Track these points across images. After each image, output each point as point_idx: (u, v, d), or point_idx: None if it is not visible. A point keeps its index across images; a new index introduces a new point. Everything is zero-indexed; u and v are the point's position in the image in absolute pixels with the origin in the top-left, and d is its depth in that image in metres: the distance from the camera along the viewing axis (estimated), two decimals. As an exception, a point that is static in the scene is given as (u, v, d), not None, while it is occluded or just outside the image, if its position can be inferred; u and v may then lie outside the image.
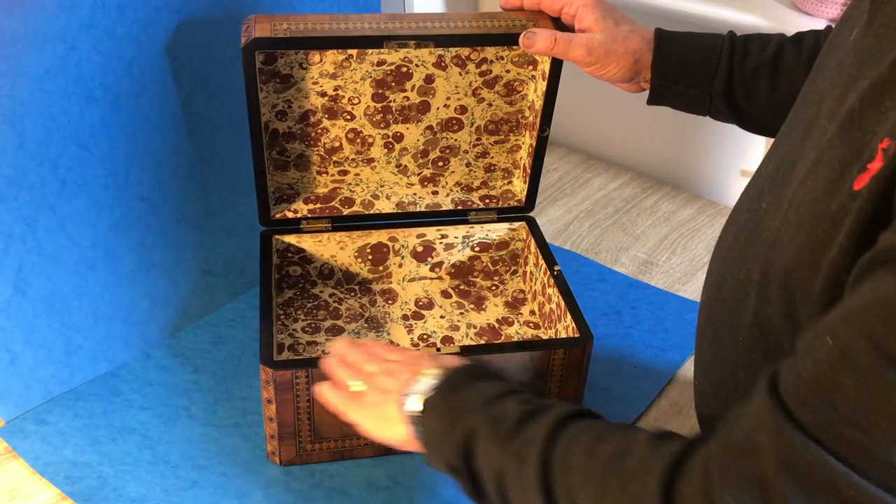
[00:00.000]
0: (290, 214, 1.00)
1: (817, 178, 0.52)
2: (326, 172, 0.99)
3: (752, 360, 0.61)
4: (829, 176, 0.50)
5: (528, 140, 1.01)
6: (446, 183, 1.05)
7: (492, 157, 1.03)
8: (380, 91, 0.94)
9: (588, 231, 1.26)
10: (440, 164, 1.02)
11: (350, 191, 1.02)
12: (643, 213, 1.30)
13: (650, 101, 0.89)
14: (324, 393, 0.74)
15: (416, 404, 0.65)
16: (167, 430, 0.89)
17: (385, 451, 0.87)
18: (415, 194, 1.04)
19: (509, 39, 0.89)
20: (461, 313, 1.05)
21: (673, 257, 1.21)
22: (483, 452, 0.59)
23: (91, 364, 0.94)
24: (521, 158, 1.03)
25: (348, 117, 0.95)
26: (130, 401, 0.92)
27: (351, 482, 0.85)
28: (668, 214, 1.30)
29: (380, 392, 0.70)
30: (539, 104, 0.97)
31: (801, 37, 0.84)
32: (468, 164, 1.03)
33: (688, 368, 1.02)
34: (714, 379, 0.69)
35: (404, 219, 1.03)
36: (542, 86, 0.95)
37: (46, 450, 0.86)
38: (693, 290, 1.14)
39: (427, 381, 0.66)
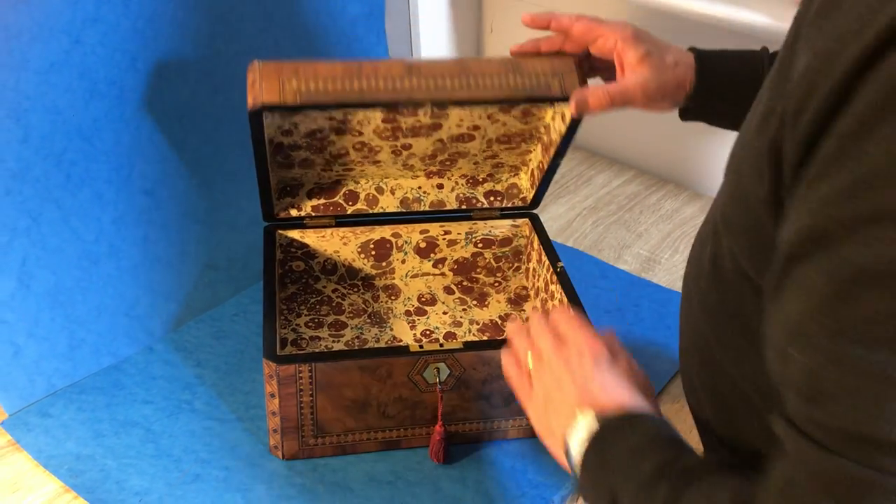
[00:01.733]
0: (294, 212, 1.00)
1: (751, 123, 0.53)
2: (331, 170, 0.99)
3: (709, 301, 0.63)
4: (756, 122, 0.51)
5: (539, 155, 1.00)
6: (451, 175, 1.04)
7: (501, 158, 1.02)
8: (391, 115, 0.90)
9: (591, 228, 1.26)
10: (447, 163, 1.01)
11: (354, 183, 1.02)
12: (646, 210, 1.30)
13: (685, 118, 0.86)
14: (504, 366, 0.74)
15: (576, 456, 0.64)
16: (170, 424, 0.89)
17: (387, 446, 0.87)
18: (419, 187, 1.03)
19: (537, 100, 0.86)
20: (464, 309, 1.05)
21: (675, 255, 1.21)
22: None
23: (94, 358, 0.95)
24: (530, 160, 1.02)
25: (357, 134, 0.93)
26: (133, 394, 0.92)
27: (353, 477, 0.85)
28: (670, 212, 1.30)
29: (548, 402, 0.68)
30: (557, 129, 0.93)
31: None
32: (476, 163, 1.02)
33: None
34: (686, 331, 0.70)
35: (408, 216, 1.03)
36: (562, 110, 0.91)
37: (49, 443, 0.86)
38: (696, 287, 1.15)
39: (581, 427, 0.64)
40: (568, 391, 0.67)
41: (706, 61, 0.83)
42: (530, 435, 0.88)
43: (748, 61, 0.83)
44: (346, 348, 0.96)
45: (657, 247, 1.22)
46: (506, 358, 0.75)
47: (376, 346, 0.97)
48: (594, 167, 1.41)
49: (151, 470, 0.84)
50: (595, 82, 0.87)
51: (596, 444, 0.63)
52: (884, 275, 0.39)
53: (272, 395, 0.82)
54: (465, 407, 0.87)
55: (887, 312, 0.39)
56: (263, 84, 0.81)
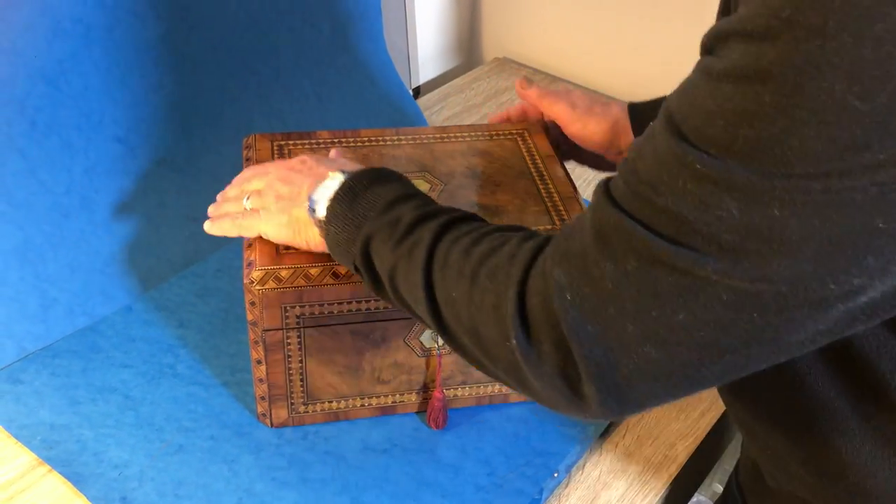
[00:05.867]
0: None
1: None
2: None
3: None
4: None
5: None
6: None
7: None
8: None
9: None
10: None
11: None
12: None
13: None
14: (213, 225, 0.77)
15: (321, 210, 0.67)
16: (151, 390, 0.83)
17: (382, 412, 0.82)
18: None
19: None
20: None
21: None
22: (379, 254, 0.63)
23: (68, 318, 0.89)
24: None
25: None
26: (111, 358, 0.86)
27: (347, 445, 0.80)
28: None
29: (282, 199, 0.73)
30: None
31: None
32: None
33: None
34: None
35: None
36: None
37: (21, 411, 0.80)
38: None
39: (330, 184, 0.68)
40: (305, 177, 0.72)
41: (638, 105, 0.89)
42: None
43: None
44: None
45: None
46: (213, 223, 0.77)
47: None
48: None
49: (131, 440, 0.79)
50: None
51: (345, 192, 0.66)
52: (717, 77, 0.43)
53: (259, 362, 0.76)
54: (465, 371, 0.81)
55: (706, 110, 0.44)
56: (265, 312, 0.74)
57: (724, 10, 0.48)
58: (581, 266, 0.49)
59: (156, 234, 0.96)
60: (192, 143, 0.99)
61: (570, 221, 0.56)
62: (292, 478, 0.77)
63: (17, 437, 0.78)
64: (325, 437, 0.81)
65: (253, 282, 0.73)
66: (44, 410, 0.81)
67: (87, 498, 0.74)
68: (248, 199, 0.75)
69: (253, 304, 0.73)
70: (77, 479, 0.75)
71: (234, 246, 1.00)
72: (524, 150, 0.90)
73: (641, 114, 0.88)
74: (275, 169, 0.75)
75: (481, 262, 0.56)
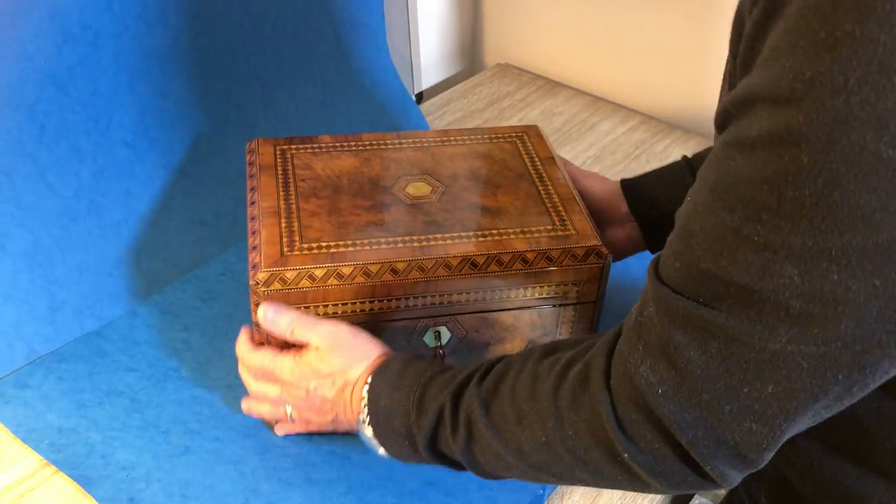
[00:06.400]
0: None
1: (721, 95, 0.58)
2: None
3: None
4: (724, 86, 0.57)
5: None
6: None
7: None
8: None
9: (596, 178, 1.20)
10: None
11: None
12: (653, 158, 1.25)
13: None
14: (277, 430, 0.81)
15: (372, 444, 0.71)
16: (156, 393, 0.84)
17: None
18: None
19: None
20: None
21: (684, 207, 1.16)
22: (447, 446, 0.65)
23: (77, 320, 0.89)
24: None
25: None
26: (117, 362, 0.87)
27: (351, 446, 0.81)
28: (678, 161, 1.25)
29: (322, 414, 0.75)
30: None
31: None
32: None
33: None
34: None
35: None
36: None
37: (29, 415, 0.81)
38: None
39: (365, 435, 0.71)
40: (326, 412, 0.75)
41: (630, 181, 0.90)
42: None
43: (667, 175, 0.88)
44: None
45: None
46: (279, 429, 0.81)
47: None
48: (598, 113, 1.35)
49: (138, 442, 0.79)
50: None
51: (381, 429, 0.68)
52: (752, 145, 0.44)
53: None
54: None
55: (747, 178, 0.44)
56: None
57: (745, 66, 0.48)
58: (664, 359, 0.50)
59: (162, 238, 0.97)
60: (197, 148, 1.00)
61: (626, 322, 0.56)
62: (298, 478, 0.77)
63: (25, 440, 0.79)
64: (330, 438, 0.81)
65: (258, 283, 0.74)
66: (51, 414, 0.82)
67: (96, 499, 0.74)
68: (290, 410, 0.77)
69: (258, 305, 0.74)
70: (85, 482, 0.76)
71: (237, 249, 1.01)
72: (523, 152, 0.91)
73: (632, 187, 0.89)
74: (293, 401, 0.76)
75: (554, 399, 0.57)
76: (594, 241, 0.79)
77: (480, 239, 0.79)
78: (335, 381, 0.72)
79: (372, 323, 0.78)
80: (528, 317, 0.81)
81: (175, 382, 0.85)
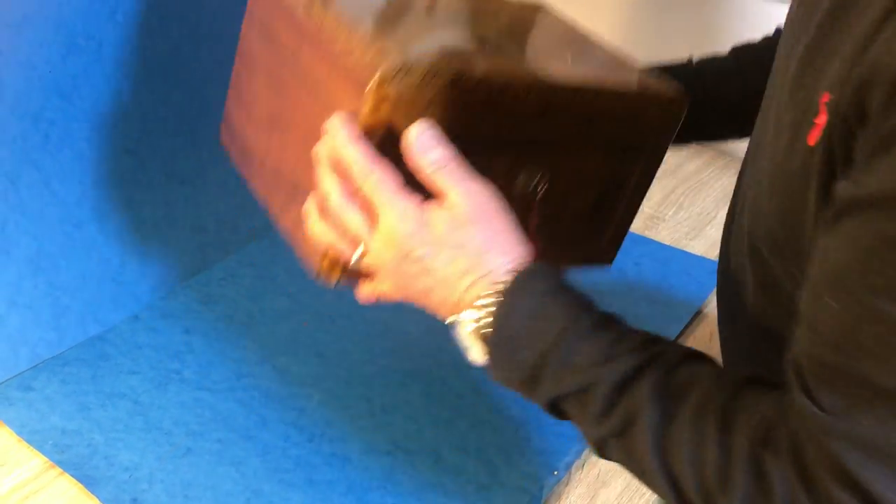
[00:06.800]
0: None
1: (779, 143, 0.55)
2: None
3: (764, 325, 0.63)
4: (787, 138, 0.53)
5: None
6: None
7: None
8: None
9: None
10: None
11: None
12: (648, 165, 1.26)
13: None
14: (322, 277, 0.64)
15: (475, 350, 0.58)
16: (159, 395, 0.86)
17: (386, 411, 0.85)
18: None
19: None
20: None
21: (680, 212, 1.17)
22: (575, 417, 0.57)
23: (80, 326, 0.91)
24: None
25: None
26: (119, 365, 0.88)
27: (351, 447, 0.82)
28: (674, 167, 1.26)
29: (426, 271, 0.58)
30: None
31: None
32: None
33: (693, 326, 0.99)
34: (731, 351, 0.72)
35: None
36: None
37: (33, 417, 0.82)
38: (701, 245, 1.11)
39: (473, 334, 0.57)
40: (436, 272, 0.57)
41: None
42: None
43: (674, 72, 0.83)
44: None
45: (660, 204, 1.19)
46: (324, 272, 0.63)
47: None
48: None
49: (141, 444, 0.81)
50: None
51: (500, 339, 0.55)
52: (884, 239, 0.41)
53: None
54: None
55: (884, 258, 0.41)
56: None
57: (845, 161, 0.47)
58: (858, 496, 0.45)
59: (164, 244, 0.98)
60: (199, 156, 1.01)
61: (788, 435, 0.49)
62: (299, 479, 0.79)
63: (29, 441, 0.80)
64: (330, 440, 0.83)
65: (392, 71, 0.57)
66: (55, 416, 0.83)
67: (100, 500, 0.76)
68: (360, 251, 0.60)
69: (373, 127, 0.58)
70: (89, 482, 0.77)
71: (238, 256, 1.03)
72: None
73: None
74: (379, 254, 0.59)
75: (746, 468, 0.49)
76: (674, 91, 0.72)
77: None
78: (458, 258, 0.56)
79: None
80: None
81: (177, 385, 0.87)
